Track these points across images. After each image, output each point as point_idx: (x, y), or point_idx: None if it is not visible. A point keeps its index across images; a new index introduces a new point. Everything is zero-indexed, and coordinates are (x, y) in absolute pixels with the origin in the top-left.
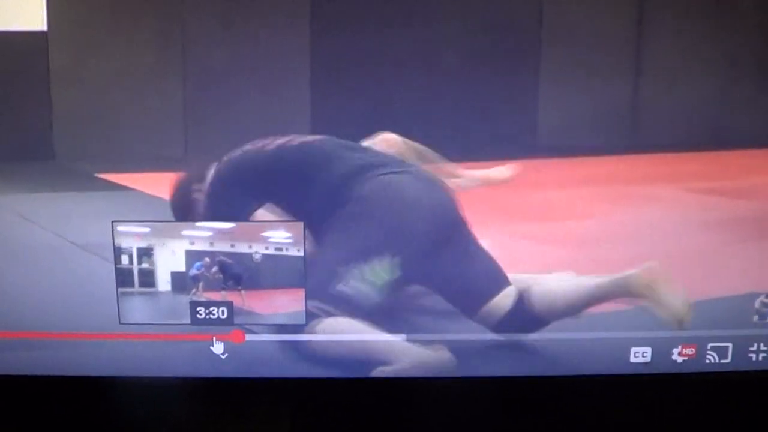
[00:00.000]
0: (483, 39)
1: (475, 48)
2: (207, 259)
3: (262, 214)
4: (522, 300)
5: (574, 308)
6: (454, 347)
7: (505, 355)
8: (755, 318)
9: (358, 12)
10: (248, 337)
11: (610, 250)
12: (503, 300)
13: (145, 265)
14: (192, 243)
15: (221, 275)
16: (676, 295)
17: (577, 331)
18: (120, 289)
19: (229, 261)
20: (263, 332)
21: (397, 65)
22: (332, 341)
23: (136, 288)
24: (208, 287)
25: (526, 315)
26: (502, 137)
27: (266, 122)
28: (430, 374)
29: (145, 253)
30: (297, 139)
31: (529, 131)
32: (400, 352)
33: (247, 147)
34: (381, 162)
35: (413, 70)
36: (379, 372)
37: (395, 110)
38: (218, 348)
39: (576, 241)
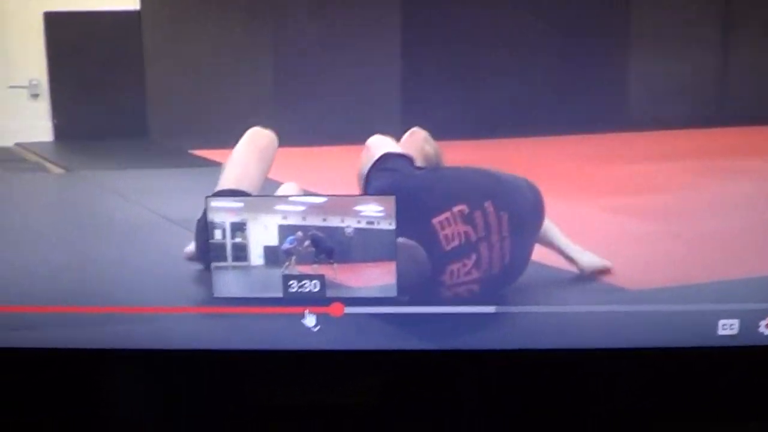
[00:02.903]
0: (572, 14)
1: (565, 23)
2: (300, 233)
3: None
4: None
5: None
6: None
7: (595, 327)
8: None
9: None
10: (347, 309)
11: (698, 223)
12: None
13: (238, 240)
14: (284, 217)
15: (314, 249)
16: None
17: (665, 304)
18: (213, 264)
19: (322, 235)
20: (358, 305)
21: (485, 40)
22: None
23: (229, 262)
24: (301, 261)
25: None
26: (592, 111)
27: (355, 100)
28: None
29: (239, 227)
30: None
31: (619, 105)
32: None
33: None
34: None
35: (503, 45)
36: None
37: (483, 85)
38: (310, 320)
39: (663, 213)
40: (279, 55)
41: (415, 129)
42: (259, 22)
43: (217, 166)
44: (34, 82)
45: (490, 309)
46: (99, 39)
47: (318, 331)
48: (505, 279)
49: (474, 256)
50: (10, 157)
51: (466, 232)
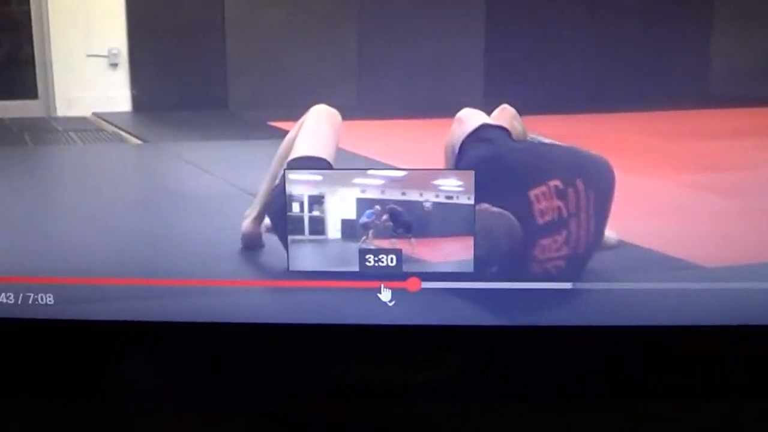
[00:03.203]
0: None
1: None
2: (378, 207)
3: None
4: None
5: None
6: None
7: (671, 304)
8: None
9: None
10: (424, 284)
11: None
12: None
13: (315, 213)
14: (363, 191)
15: (391, 223)
16: None
17: (741, 281)
18: (290, 237)
19: (400, 209)
20: (435, 280)
21: (568, 14)
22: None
23: (306, 236)
24: (378, 235)
25: None
26: (673, 87)
27: (439, 73)
28: None
29: (316, 201)
30: None
31: (700, 81)
32: None
33: None
34: None
35: (585, 19)
36: None
37: (565, 60)
38: (386, 295)
39: (741, 190)
40: (363, 26)
41: (505, 106)
42: None
43: None
44: (114, 51)
45: (567, 285)
46: (180, 8)
47: (393, 305)
48: (586, 256)
49: (565, 233)
50: (87, 126)
51: (559, 208)
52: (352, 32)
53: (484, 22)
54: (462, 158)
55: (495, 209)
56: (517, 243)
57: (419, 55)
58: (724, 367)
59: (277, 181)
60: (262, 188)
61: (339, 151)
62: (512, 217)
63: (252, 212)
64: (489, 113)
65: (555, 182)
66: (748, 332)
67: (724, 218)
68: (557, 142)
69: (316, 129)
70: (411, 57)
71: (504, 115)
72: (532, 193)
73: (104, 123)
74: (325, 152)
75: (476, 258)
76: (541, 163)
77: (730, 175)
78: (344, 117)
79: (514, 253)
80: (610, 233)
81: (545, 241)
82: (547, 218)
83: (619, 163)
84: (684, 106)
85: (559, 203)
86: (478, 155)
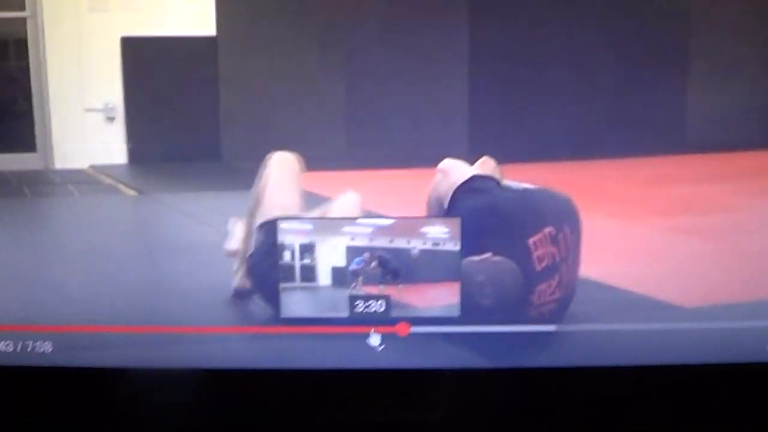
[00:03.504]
0: (631, 37)
1: (624, 45)
2: (367, 255)
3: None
4: None
5: None
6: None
7: (653, 344)
8: None
9: (514, 19)
10: (413, 329)
11: (754, 242)
12: None
13: (306, 261)
14: (352, 239)
15: (380, 270)
16: None
17: (721, 321)
18: (282, 284)
19: (388, 256)
20: (424, 324)
21: (549, 68)
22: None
23: (298, 283)
24: (368, 281)
25: None
26: (651, 134)
27: (425, 125)
28: None
29: (307, 249)
30: None
31: (677, 128)
32: None
33: None
34: None
35: (565, 72)
36: None
37: (546, 110)
38: (375, 340)
39: (719, 232)
40: (350, 80)
41: (485, 158)
42: (332, 49)
43: None
44: (110, 106)
45: (551, 328)
46: (174, 64)
47: (382, 350)
48: (572, 297)
49: (557, 277)
50: (84, 179)
51: (552, 253)
52: (341, 86)
53: (468, 76)
54: (454, 209)
55: (497, 258)
56: (520, 290)
57: (405, 108)
58: (706, 404)
59: (252, 250)
60: (242, 243)
61: (328, 201)
62: (514, 265)
63: (239, 270)
64: (472, 163)
65: (549, 229)
66: (728, 370)
67: (703, 260)
68: (544, 188)
69: (279, 184)
70: (397, 110)
71: (486, 167)
72: (531, 241)
73: (101, 175)
74: (291, 207)
75: (483, 307)
76: (533, 211)
77: (707, 218)
78: (333, 167)
79: (517, 300)
80: None
81: (542, 287)
82: (544, 264)
83: (600, 209)
84: (662, 152)
85: (554, 249)
86: (471, 205)
